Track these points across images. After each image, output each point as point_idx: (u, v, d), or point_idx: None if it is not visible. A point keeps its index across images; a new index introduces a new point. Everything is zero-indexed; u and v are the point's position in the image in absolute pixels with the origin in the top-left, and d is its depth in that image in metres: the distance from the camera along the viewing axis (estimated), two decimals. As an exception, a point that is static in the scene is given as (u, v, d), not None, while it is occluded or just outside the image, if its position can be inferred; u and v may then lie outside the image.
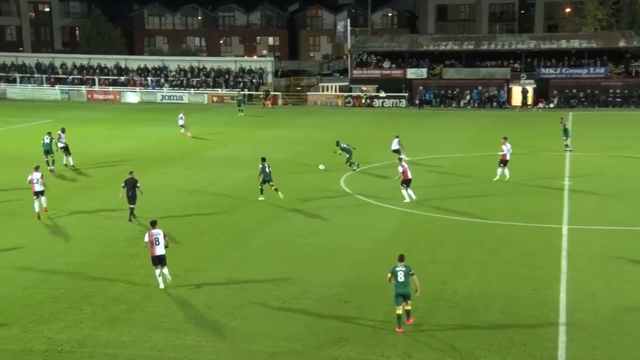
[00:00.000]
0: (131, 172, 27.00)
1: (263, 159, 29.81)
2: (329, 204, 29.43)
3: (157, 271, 19.56)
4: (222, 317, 17.79)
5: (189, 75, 74.42)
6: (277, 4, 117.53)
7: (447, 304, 18.54)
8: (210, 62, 77.13)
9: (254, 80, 73.26)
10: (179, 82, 73.51)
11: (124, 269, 21.19)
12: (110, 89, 72.95)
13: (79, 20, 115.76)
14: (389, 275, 17.15)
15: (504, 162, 33.23)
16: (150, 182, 32.30)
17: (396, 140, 38.10)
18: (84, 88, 73.08)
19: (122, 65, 76.56)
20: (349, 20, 78.26)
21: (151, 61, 78.26)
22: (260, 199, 29.42)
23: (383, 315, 17.76)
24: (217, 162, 38.21)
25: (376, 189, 31.83)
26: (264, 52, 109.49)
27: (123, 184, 26.64)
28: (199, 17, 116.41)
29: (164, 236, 19.62)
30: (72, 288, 19.67)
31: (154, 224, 19.91)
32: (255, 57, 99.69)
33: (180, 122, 47.45)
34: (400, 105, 67.96)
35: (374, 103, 68.70)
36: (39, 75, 75.94)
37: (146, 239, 19.69)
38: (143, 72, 75.38)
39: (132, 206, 26.39)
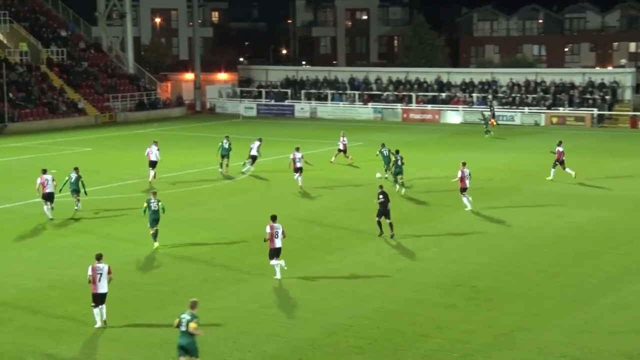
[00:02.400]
0: (381, 186, 30.46)
1: (397, 152, 37.94)
2: None
3: (274, 262, 24.68)
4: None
5: (523, 90, 74.00)
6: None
7: None
8: (551, 75, 75.97)
9: (606, 97, 70.44)
10: (510, 99, 73.43)
11: (439, 322, 21.49)
12: (429, 107, 75.28)
13: (397, 29, 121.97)
14: None
15: None
16: (473, 219, 32.70)
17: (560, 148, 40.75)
18: (399, 106, 76.40)
19: (444, 79, 78.71)
20: None
21: (478, 74, 79.35)
22: (401, 192, 36.17)
23: None
24: (555, 198, 37.26)
25: None
26: (623, 61, 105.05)
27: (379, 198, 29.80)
28: (540, 20, 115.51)
29: (283, 232, 24.84)
30: (379, 339, 20.40)
31: (274, 219, 24.95)
32: (610, 67, 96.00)
33: (340, 146, 47.87)
34: None
35: None
36: (351, 92, 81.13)
37: (268, 230, 24.73)
38: (468, 87, 76.70)
39: (389, 220, 29.94)
